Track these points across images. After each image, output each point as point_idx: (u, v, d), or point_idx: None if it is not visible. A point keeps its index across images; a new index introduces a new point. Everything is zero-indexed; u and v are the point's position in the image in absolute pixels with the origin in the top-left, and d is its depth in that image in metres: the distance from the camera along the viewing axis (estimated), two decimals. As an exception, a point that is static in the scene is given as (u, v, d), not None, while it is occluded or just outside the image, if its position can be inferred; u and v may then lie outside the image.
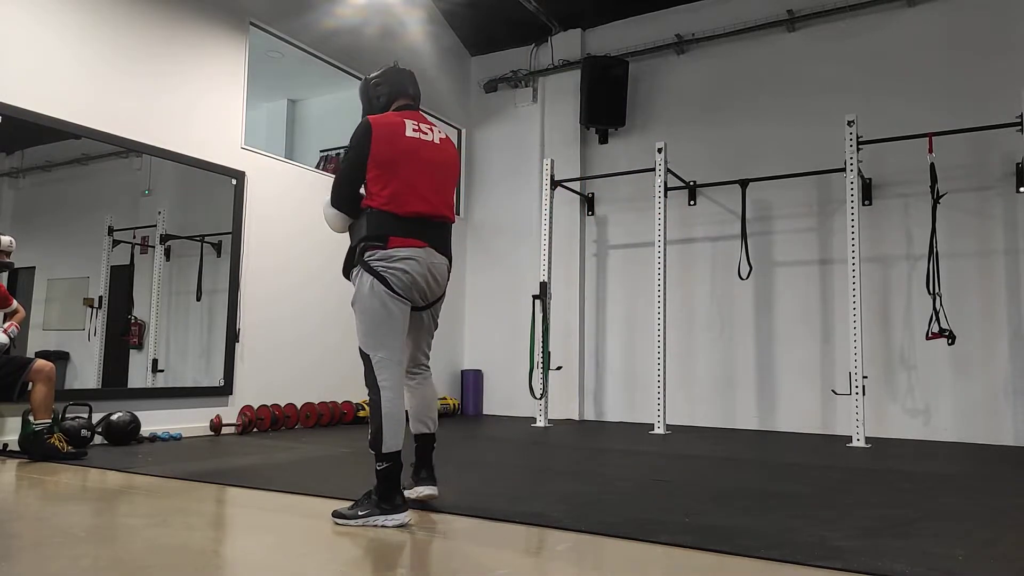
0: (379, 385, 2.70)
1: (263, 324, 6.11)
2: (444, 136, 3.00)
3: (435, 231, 2.86)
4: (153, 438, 5.15)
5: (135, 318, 5.51)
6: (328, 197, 2.94)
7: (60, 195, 5.23)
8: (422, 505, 2.90)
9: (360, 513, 2.64)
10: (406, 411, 2.87)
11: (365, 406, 6.72)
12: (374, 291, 2.73)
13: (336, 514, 2.69)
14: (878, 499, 3.26)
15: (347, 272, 2.89)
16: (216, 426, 5.61)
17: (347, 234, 2.95)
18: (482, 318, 8.43)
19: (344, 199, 2.88)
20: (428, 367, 3.13)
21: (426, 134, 2.89)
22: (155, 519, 2.69)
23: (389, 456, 2.64)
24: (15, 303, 4.56)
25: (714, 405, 7.02)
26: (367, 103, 3.06)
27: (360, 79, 3.34)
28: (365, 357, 2.75)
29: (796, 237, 6.85)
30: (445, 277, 2.94)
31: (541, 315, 6.86)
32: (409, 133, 2.84)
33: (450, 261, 2.96)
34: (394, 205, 2.77)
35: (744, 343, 6.97)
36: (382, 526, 2.58)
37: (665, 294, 6.38)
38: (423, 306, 2.93)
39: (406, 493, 2.74)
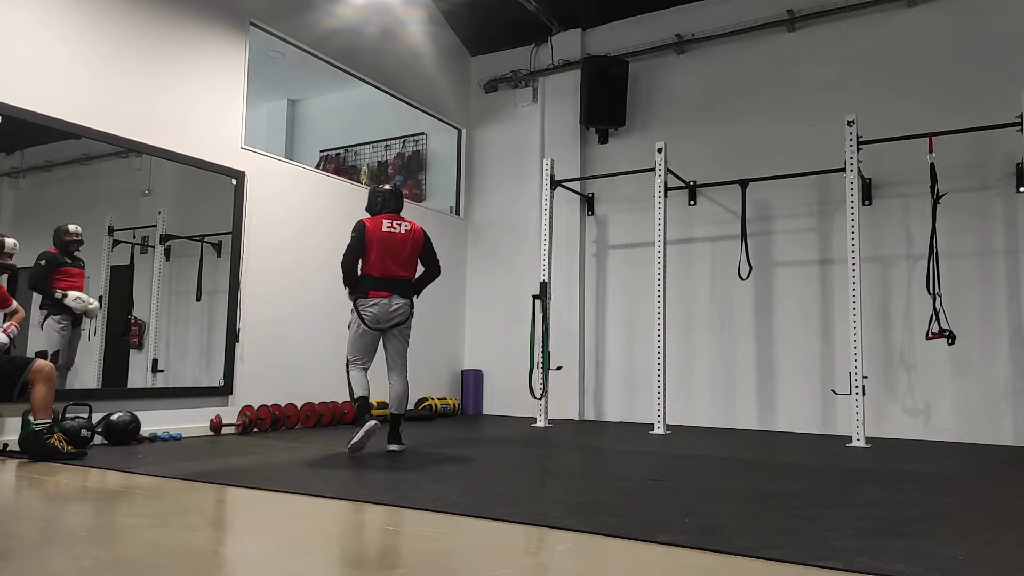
0: (349, 370, 4.73)
1: (263, 324, 6.11)
2: (410, 227, 4.84)
3: (397, 285, 4.72)
4: (153, 438, 5.15)
5: (135, 318, 5.51)
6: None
7: (60, 195, 5.23)
8: (422, 504, 2.90)
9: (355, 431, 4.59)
10: (367, 381, 4.73)
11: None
12: (356, 322, 4.70)
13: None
14: (878, 499, 3.26)
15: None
16: (216, 426, 5.61)
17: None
18: (482, 318, 8.43)
19: (349, 266, 4.71)
20: (401, 371, 4.84)
21: (396, 228, 4.78)
22: (155, 519, 2.69)
23: (358, 398, 4.66)
24: (15, 303, 4.57)
25: (714, 405, 7.02)
26: (371, 203, 4.95)
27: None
28: (347, 359, 4.76)
29: (796, 237, 6.85)
30: (404, 311, 4.76)
31: (541, 315, 6.87)
32: (384, 229, 4.74)
33: (410, 300, 4.81)
34: (373, 271, 4.69)
35: (744, 343, 6.97)
36: (360, 434, 4.47)
37: (665, 294, 6.38)
38: (389, 327, 4.74)
39: (387, 447, 4.72)
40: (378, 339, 4.74)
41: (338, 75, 7.33)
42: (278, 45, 6.73)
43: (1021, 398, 5.84)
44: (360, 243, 4.69)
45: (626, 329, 7.58)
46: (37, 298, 4.98)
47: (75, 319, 5.18)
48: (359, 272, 4.73)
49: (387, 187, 5.02)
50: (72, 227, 5.16)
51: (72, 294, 5.08)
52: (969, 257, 6.13)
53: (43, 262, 5.06)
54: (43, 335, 5.04)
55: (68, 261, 5.15)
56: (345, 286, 4.76)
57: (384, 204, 4.91)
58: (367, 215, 4.91)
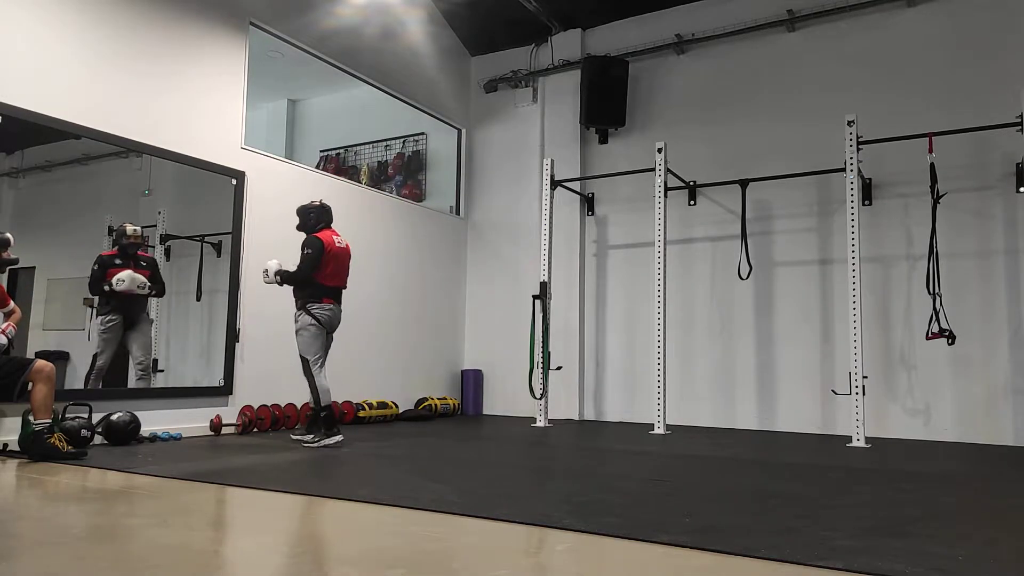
0: (314, 373, 5.07)
1: (263, 324, 6.11)
2: (344, 241, 5.31)
3: (339, 294, 5.27)
4: (153, 438, 5.15)
5: (135, 318, 5.50)
6: (275, 270, 5.15)
7: (60, 195, 5.23)
8: (422, 504, 2.90)
9: (316, 438, 4.99)
10: (329, 387, 5.17)
11: (365, 406, 6.77)
12: (310, 324, 5.09)
13: (297, 440, 5.10)
14: (878, 499, 3.26)
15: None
16: (216, 426, 5.61)
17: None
18: (482, 318, 8.43)
19: (309, 279, 5.08)
20: (325, 365, 5.27)
21: (340, 242, 5.24)
22: (155, 519, 2.69)
23: (326, 407, 5.05)
24: (12, 304, 4.57)
25: (714, 405, 7.02)
26: (304, 220, 5.28)
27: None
28: (304, 360, 5.09)
29: (796, 237, 6.85)
30: (341, 317, 5.30)
31: (541, 315, 6.87)
32: (336, 244, 5.20)
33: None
34: (327, 281, 5.14)
35: (744, 343, 6.97)
36: (328, 444, 4.92)
37: (665, 294, 6.38)
38: (329, 331, 5.23)
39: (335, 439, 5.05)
40: (326, 338, 5.20)
41: (338, 75, 7.33)
42: (278, 45, 6.73)
43: (1021, 398, 5.84)
44: (319, 257, 5.09)
45: (626, 329, 7.58)
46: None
47: (126, 318, 5.29)
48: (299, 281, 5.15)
49: (317, 203, 5.34)
50: (130, 228, 5.32)
51: (117, 277, 5.20)
52: (969, 257, 6.13)
53: (96, 267, 5.24)
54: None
55: (119, 262, 5.26)
56: (304, 295, 5.13)
57: (319, 220, 5.27)
58: (306, 232, 5.23)
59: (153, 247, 5.61)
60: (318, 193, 6.72)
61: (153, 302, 5.58)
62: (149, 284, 5.36)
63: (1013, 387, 5.87)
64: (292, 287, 5.18)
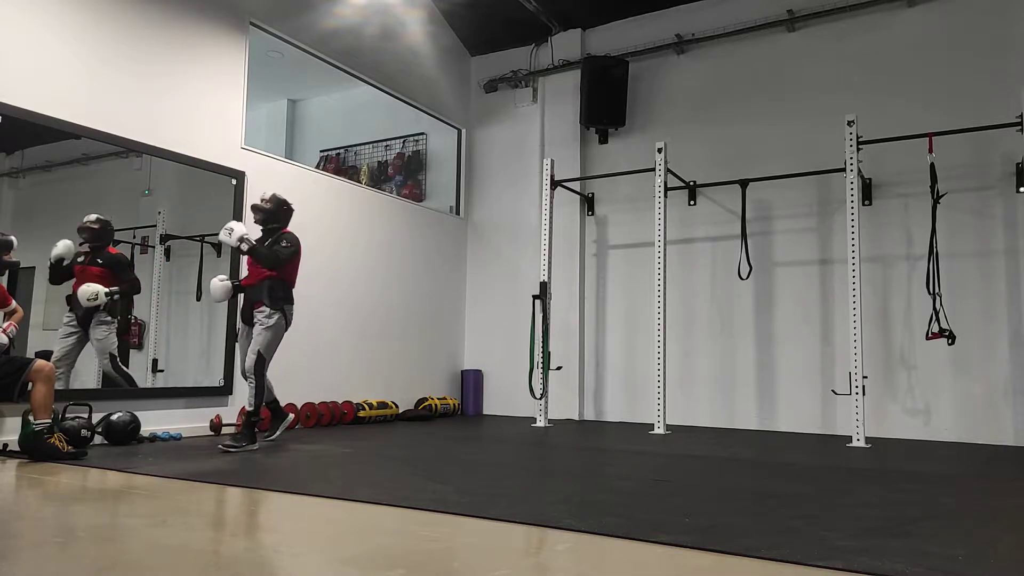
0: (264, 375, 4.90)
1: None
2: None
3: None
4: (153, 438, 5.15)
5: (135, 318, 5.50)
6: (241, 234, 4.85)
7: (60, 195, 5.23)
8: (422, 504, 2.90)
9: (242, 446, 4.67)
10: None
11: (365, 406, 6.77)
12: (281, 325, 4.94)
13: (225, 446, 4.63)
14: (878, 499, 3.26)
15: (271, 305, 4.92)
16: (216, 426, 5.61)
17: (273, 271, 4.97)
18: (482, 318, 8.43)
19: (275, 265, 4.92)
20: None
21: None
22: (155, 519, 2.69)
23: (273, 401, 5.16)
24: (13, 303, 4.57)
25: (714, 405, 7.02)
26: (279, 213, 5.11)
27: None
28: (262, 358, 4.87)
29: (796, 237, 6.85)
30: None
31: (541, 315, 6.86)
32: None
33: None
34: (295, 281, 5.09)
35: (744, 343, 6.97)
36: (252, 449, 4.69)
37: (665, 294, 6.38)
38: None
39: (276, 434, 5.19)
40: None
41: (338, 75, 7.32)
42: (278, 45, 6.73)
43: (1021, 398, 5.84)
44: (297, 257, 5.05)
45: (626, 329, 7.58)
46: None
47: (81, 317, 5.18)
48: (278, 279, 4.98)
49: (286, 199, 5.19)
50: (86, 218, 5.11)
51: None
52: (969, 257, 6.13)
53: None
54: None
55: (79, 259, 5.11)
56: (281, 296, 4.94)
57: (289, 217, 5.21)
58: (284, 229, 5.12)
59: (153, 247, 5.61)
60: (317, 193, 6.74)
61: (153, 300, 5.57)
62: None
63: (1013, 387, 5.87)
64: (267, 287, 4.91)
